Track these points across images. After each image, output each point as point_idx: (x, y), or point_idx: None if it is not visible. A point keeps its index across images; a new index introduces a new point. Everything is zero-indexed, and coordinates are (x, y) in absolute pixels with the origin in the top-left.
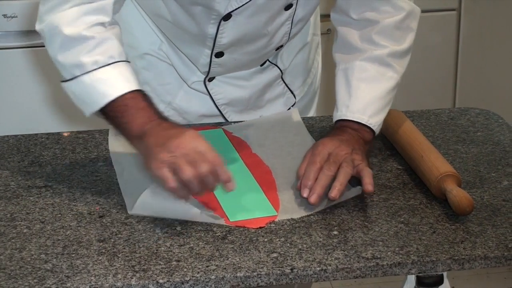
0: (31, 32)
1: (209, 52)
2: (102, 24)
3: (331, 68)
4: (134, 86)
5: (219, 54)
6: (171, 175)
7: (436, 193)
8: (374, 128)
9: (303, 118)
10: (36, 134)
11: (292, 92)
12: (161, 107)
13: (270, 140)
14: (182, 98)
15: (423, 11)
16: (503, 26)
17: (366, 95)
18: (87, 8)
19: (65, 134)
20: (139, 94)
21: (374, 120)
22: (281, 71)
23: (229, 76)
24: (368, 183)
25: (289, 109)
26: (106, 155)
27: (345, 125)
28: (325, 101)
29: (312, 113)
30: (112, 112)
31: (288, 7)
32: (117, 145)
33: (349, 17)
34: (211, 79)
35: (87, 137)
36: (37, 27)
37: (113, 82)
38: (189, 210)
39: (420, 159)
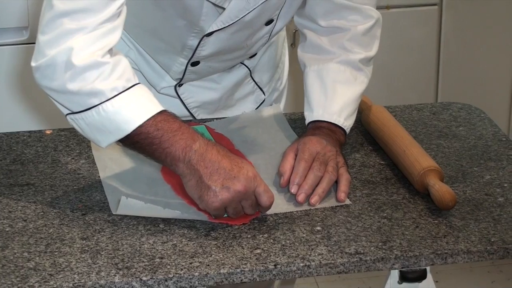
0: (15, 29)
1: (185, 61)
2: (113, 48)
3: (298, 62)
4: (159, 107)
5: (195, 63)
6: (224, 213)
7: (419, 188)
8: (347, 131)
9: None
10: (18, 132)
11: (261, 89)
12: None
13: (253, 136)
14: None
15: (404, 6)
16: (485, 21)
17: (341, 98)
18: (98, 33)
19: (47, 132)
20: (168, 114)
21: (348, 123)
22: (249, 69)
23: (199, 80)
24: (342, 191)
25: (258, 106)
26: (88, 152)
27: (322, 126)
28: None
29: (281, 107)
30: (144, 139)
31: (268, 22)
32: None
33: (315, 23)
34: (181, 84)
35: (69, 135)
36: (37, 62)
37: (137, 106)
38: (173, 210)
39: (403, 154)
